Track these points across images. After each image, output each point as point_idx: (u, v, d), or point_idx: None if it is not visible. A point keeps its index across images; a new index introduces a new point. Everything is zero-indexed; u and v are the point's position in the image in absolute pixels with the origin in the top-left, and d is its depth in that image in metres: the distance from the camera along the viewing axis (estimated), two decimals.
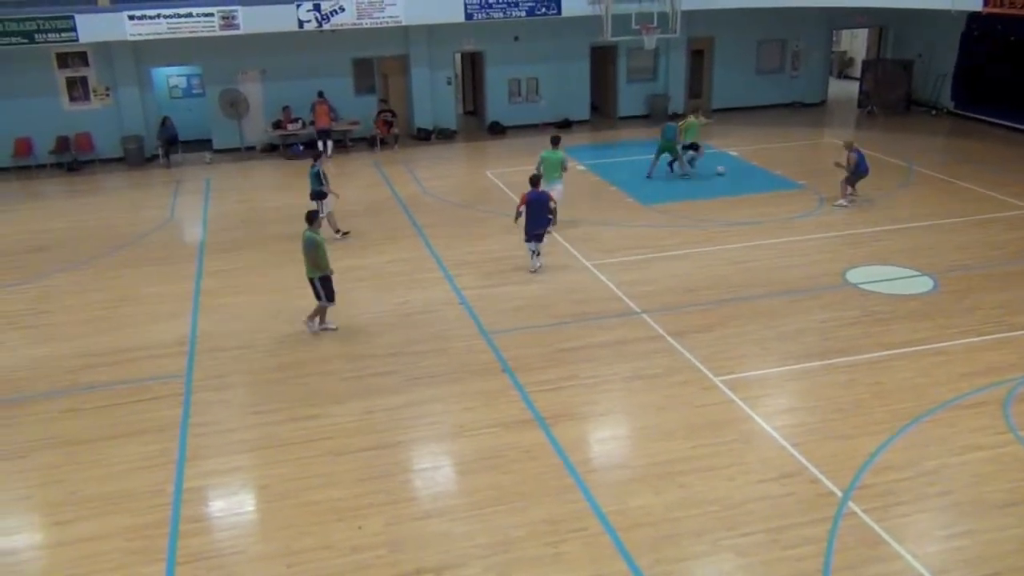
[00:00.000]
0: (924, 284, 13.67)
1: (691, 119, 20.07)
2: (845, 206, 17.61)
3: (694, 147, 19.96)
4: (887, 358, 11.29)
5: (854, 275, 14.12)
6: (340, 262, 12.54)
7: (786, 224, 16.68)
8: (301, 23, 21.37)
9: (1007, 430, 9.64)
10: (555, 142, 16.89)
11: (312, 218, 12.43)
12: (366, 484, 9.02)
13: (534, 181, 14.50)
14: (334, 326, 12.65)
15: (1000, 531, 8.06)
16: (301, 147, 23.30)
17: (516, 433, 9.87)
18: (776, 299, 13.29)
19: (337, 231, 16.50)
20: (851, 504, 8.45)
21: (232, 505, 8.88)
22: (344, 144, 23.66)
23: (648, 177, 19.94)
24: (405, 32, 23.58)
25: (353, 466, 9.34)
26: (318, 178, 16.21)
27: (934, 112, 26.17)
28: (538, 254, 14.61)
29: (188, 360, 11.87)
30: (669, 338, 12.05)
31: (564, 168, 16.58)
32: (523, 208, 14.28)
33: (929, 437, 9.54)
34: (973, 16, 23.76)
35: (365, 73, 24.43)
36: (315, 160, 16.59)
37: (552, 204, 14.46)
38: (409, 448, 9.77)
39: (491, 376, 11.18)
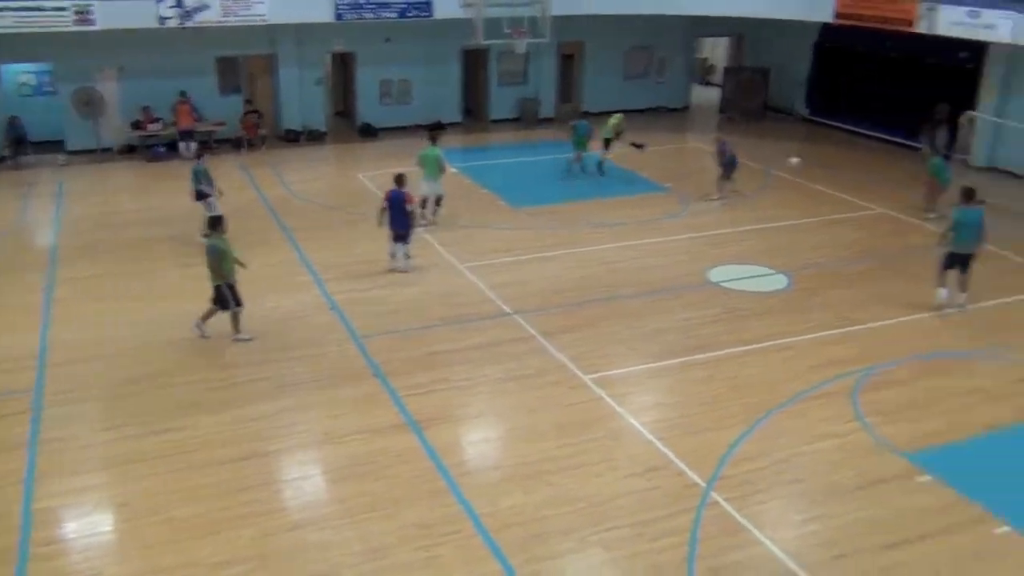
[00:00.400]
0: (779, 282, 14.36)
1: (615, 119, 20.56)
2: (714, 200, 18.44)
3: (606, 145, 20.44)
4: (744, 353, 11.82)
5: (716, 274, 14.70)
6: (203, 268, 12.14)
7: (652, 226, 17.21)
8: (162, 20, 20.60)
9: (854, 418, 10.26)
10: (433, 139, 16.96)
11: (215, 224, 12.12)
12: (234, 496, 8.80)
13: (398, 180, 14.43)
14: (247, 336, 12.16)
15: (849, 514, 8.57)
16: (163, 148, 22.46)
17: (388, 438, 9.83)
18: (642, 299, 13.69)
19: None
20: (713, 494, 8.81)
21: (88, 525, 8.49)
22: (208, 145, 22.92)
23: (568, 172, 20.38)
24: (272, 31, 23.08)
25: (221, 478, 9.10)
26: (200, 176, 15.75)
27: (789, 118, 27.47)
28: (407, 256, 14.58)
29: (38, 374, 11.27)
30: (540, 338, 12.25)
31: (442, 168, 16.62)
32: (386, 205, 14.28)
33: (783, 428, 10.05)
34: (825, 27, 25.11)
35: (230, 72, 23.75)
36: (198, 158, 16.28)
37: (409, 206, 14.35)
38: (279, 457, 9.59)
39: (363, 381, 11.09)
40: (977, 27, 18.95)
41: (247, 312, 12.34)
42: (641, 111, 27.89)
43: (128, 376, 11.23)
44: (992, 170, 21.01)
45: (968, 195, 12.92)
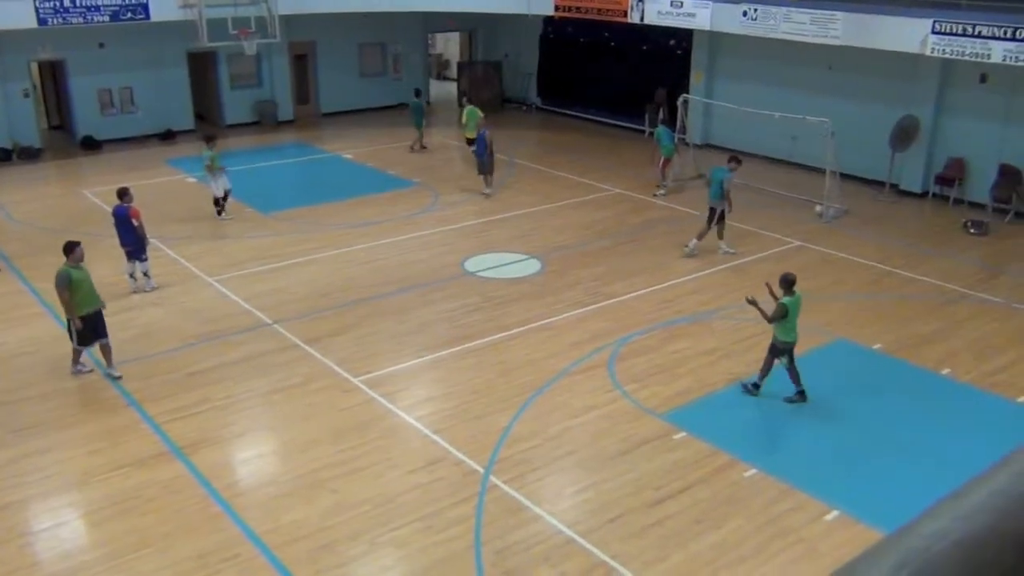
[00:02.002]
0: (532, 266, 14.94)
1: (470, 108, 20.36)
2: (488, 192, 18.92)
3: (470, 142, 20.01)
4: (507, 338, 12.20)
5: (471, 264, 15.03)
6: None
7: (406, 221, 17.30)
8: None
9: (612, 388, 10.89)
10: (208, 140, 17.00)
11: (69, 249, 10.85)
12: None
13: (120, 194, 13.49)
14: (117, 374, 11.06)
15: (618, 478, 9.11)
16: None
17: (151, 469, 9.22)
18: (405, 294, 13.75)
19: None
20: (492, 478, 9.04)
21: None
22: None
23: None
24: None
25: None
26: None
27: (524, 108, 28.59)
28: (146, 274, 13.70)
29: None
30: (305, 345, 11.97)
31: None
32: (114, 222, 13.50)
33: (551, 405, 10.49)
34: (548, 20, 26.32)
35: None
36: None
37: (135, 221, 13.35)
38: (24, 508, 8.70)
39: (115, 412, 10.31)
40: (681, 16, 20.64)
41: None
42: (380, 108, 27.93)
43: None
44: (707, 146, 23.00)
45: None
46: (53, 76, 24.48)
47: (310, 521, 8.39)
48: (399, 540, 8.15)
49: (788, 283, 10.27)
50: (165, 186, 19.62)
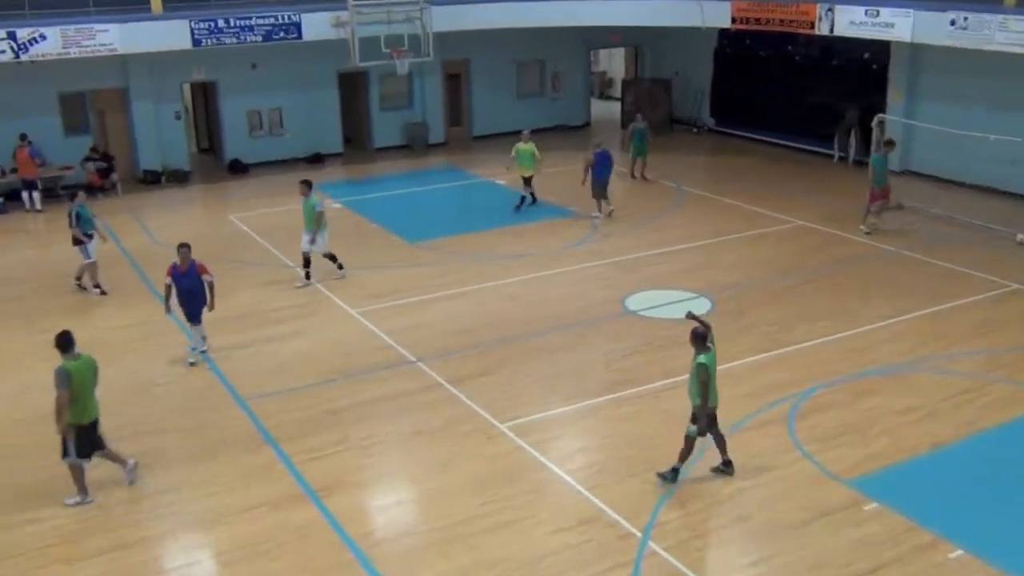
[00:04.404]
0: (702, 306, 14.56)
1: (525, 146, 19.75)
2: (598, 216, 18.95)
3: (527, 182, 19.79)
4: (672, 385, 11.89)
5: (633, 302, 14.84)
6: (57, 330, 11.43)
7: (561, 254, 17.31)
8: None
9: (793, 448, 10.41)
10: (307, 186, 15.63)
11: (65, 343, 9.46)
12: None
13: (183, 251, 12.77)
14: (131, 478, 10.06)
15: (795, 552, 8.65)
16: (1, 199, 21.44)
17: (285, 512, 9.48)
18: (557, 333, 13.69)
19: (96, 287, 15.82)
20: (651, 544, 8.78)
21: None
22: (55, 193, 22.04)
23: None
24: (123, 62, 22.45)
25: (89, 574, 8.58)
26: (77, 218, 15.48)
27: (695, 130, 28.23)
28: (203, 339, 13.18)
29: None
30: (448, 386, 12.09)
31: (317, 217, 15.45)
32: (170, 282, 12.80)
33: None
34: (723, 33, 25.97)
35: (76, 110, 22.97)
36: (72, 198, 15.95)
37: (207, 277, 12.74)
38: (158, 544, 9.11)
39: (252, 450, 10.70)
40: (877, 26, 19.88)
41: None
42: (538, 130, 28.17)
43: None
44: (907, 173, 21.94)
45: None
46: (204, 98, 26.11)
47: None
48: None
49: (701, 338, 9.40)
50: None
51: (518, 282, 15.86)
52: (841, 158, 23.61)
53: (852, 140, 23.18)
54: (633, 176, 22.45)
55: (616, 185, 21.46)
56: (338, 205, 20.70)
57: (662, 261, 16.80)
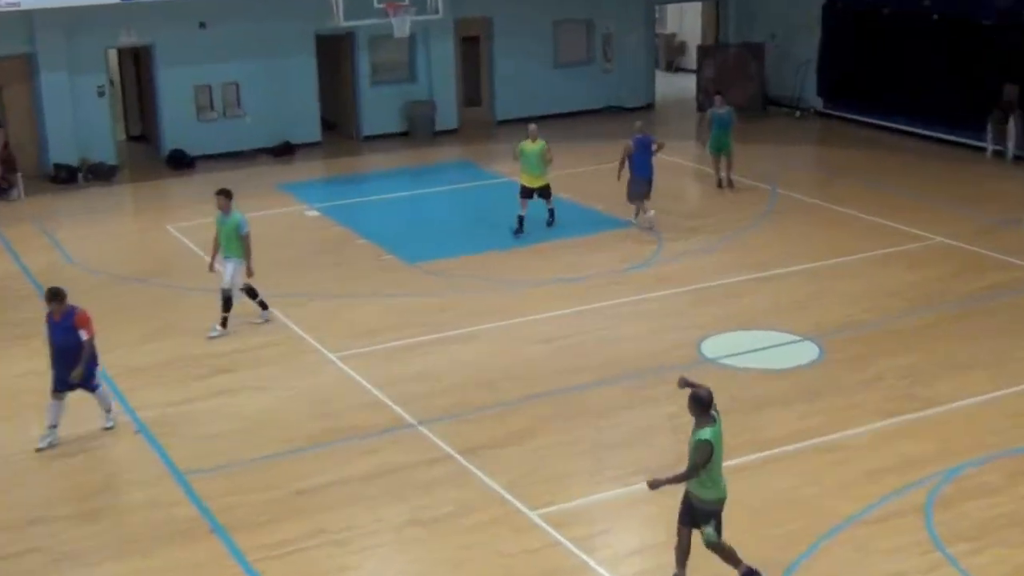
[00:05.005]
0: (807, 352, 14.49)
1: (528, 143, 19.52)
2: (634, 224, 19.32)
3: (544, 193, 19.57)
4: (764, 461, 11.84)
5: (712, 346, 14.79)
6: None
7: (612, 280, 17.30)
8: None
9: (932, 547, 10.27)
10: (226, 198, 15.71)
11: None
12: None
13: (52, 296, 12.40)
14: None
15: None
16: None
17: None
18: (609, 388, 13.66)
19: None
20: None
21: None
22: None
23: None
24: (27, 19, 22.73)
25: None
26: None
27: (797, 113, 28.21)
28: (108, 411, 13.07)
29: None
30: (460, 458, 12.07)
31: (243, 240, 15.38)
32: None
33: (831, 570, 9.99)
34: None
35: None
36: None
37: (84, 333, 12.41)
38: None
39: (193, 541, 10.70)
40: None
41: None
42: (583, 113, 28.23)
43: None
44: None
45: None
46: (136, 69, 26.40)
47: None
48: None
49: (704, 405, 9.16)
50: (277, 221, 20.58)
51: (553, 318, 15.87)
52: (996, 152, 23.51)
53: (1011, 128, 23.05)
54: (720, 185, 22.11)
55: (687, 186, 21.42)
56: (314, 213, 20.81)
57: (752, 291, 16.76)
